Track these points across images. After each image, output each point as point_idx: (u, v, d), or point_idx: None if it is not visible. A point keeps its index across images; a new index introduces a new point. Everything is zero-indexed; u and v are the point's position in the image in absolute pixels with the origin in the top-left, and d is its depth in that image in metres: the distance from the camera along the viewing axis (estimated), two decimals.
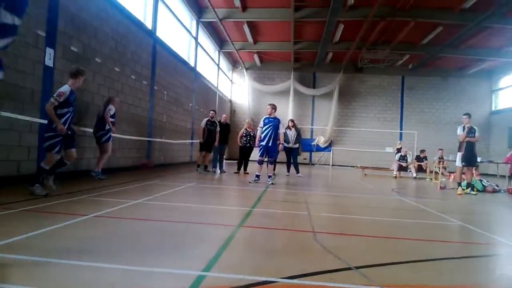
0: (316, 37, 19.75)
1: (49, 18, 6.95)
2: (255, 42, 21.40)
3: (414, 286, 2.38)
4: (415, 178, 14.90)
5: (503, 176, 13.99)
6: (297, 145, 12.86)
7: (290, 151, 12.72)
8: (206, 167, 11.93)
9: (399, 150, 16.68)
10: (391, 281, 2.45)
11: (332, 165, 25.15)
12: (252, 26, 19.10)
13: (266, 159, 9.59)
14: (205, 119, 11.74)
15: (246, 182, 9.51)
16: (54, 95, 5.37)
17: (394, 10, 16.03)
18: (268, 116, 9.32)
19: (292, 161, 12.91)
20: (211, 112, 12.03)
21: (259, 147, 9.34)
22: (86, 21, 8.28)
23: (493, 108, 24.76)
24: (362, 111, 25.62)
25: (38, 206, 4.33)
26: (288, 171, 13.05)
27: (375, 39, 19.51)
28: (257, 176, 9.20)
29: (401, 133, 25.01)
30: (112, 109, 7.96)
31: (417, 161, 16.10)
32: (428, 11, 16.22)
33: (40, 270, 2.32)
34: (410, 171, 15.42)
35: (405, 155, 15.67)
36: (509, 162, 11.69)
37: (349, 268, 2.63)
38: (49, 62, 6.99)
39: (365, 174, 16.23)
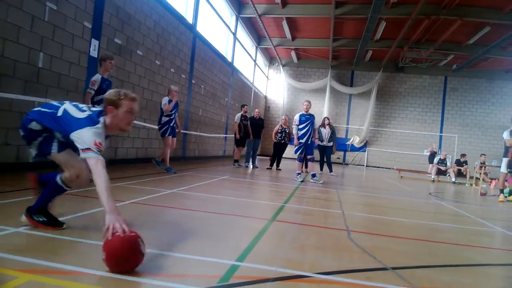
0: (356, 35, 19.36)
1: (95, 10, 7.21)
2: (293, 38, 21.26)
3: None
4: (454, 182, 14.36)
5: None
6: (331, 144, 12.72)
7: (323, 149, 12.59)
8: (237, 161, 12.01)
9: (433, 154, 16.28)
10: (428, 283, 2.37)
11: (366, 165, 24.66)
12: (291, 22, 18.98)
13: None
14: (239, 114, 11.81)
15: (279, 178, 9.51)
16: (89, 85, 5.75)
17: (439, 8, 15.47)
18: (304, 113, 9.18)
19: (325, 159, 12.78)
20: (246, 107, 12.10)
21: (299, 145, 9.12)
22: (130, 14, 8.51)
23: None
24: (401, 112, 24.89)
25: (77, 191, 4.50)
26: (321, 169, 12.92)
27: (418, 37, 18.92)
28: (299, 174, 9.12)
29: (441, 136, 24.13)
30: (165, 103, 7.83)
31: (457, 166, 15.51)
32: (475, 10, 15.49)
33: (80, 250, 2.43)
34: (449, 175, 14.88)
35: (444, 159, 15.12)
36: None
37: (385, 268, 2.57)
38: (93, 53, 7.25)
39: (401, 176, 15.81)
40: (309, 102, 9.37)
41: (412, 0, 14.75)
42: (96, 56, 7.30)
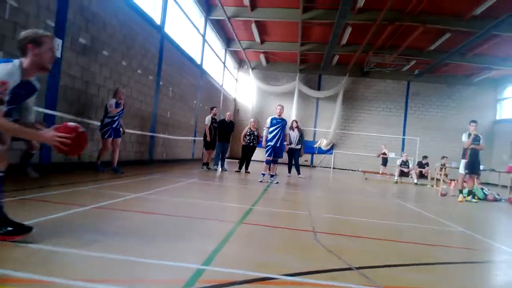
0: (323, 39, 19.71)
1: (58, 8, 6.96)
2: (262, 42, 21.39)
3: None
4: (416, 184, 14.86)
5: (505, 186, 13.91)
6: (299, 146, 12.85)
7: (292, 152, 12.70)
8: (208, 164, 11.92)
9: (384, 155, 17.25)
10: (392, 282, 2.43)
11: (333, 168, 25.11)
12: (260, 25, 19.11)
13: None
14: (209, 117, 11.73)
15: (247, 181, 9.51)
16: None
17: (403, 15, 16.00)
18: (276, 116, 9.33)
19: (293, 162, 12.90)
20: (215, 109, 12.04)
21: (266, 147, 9.34)
22: (95, 13, 8.28)
23: (497, 117, 24.66)
24: (366, 115, 25.58)
25: (37, 195, 4.34)
26: (289, 172, 13.03)
27: (383, 43, 19.48)
28: (264, 175, 9.32)
29: (403, 139, 24.97)
30: (111, 104, 7.75)
31: (419, 167, 16.06)
32: (437, 16, 16.14)
33: (39, 258, 2.33)
34: (411, 177, 15.38)
35: (407, 161, 15.63)
36: None
37: (350, 268, 2.61)
38: (57, 52, 7.00)
39: (366, 178, 16.20)
40: (282, 106, 9.55)
41: (377, 6, 15.19)
42: (59, 56, 7.05)
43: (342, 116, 25.44)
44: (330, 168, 25.10)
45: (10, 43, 5.88)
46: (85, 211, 3.73)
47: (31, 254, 2.34)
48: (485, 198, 10.25)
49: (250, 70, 25.86)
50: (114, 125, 7.91)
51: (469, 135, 9.23)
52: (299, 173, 12.59)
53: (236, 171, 12.06)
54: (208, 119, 11.69)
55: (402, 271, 2.77)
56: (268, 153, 9.29)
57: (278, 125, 9.25)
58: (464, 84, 24.69)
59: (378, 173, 17.90)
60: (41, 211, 3.46)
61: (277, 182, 9.15)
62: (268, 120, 9.42)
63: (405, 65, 22.55)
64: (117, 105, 7.87)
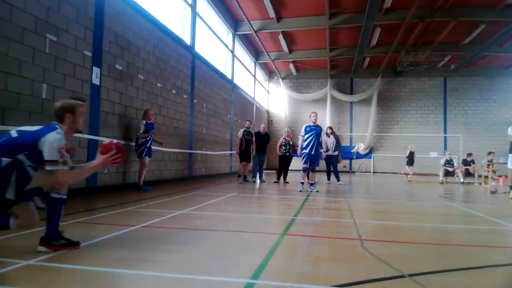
0: (352, 43, 19.52)
1: (95, 39, 7.33)
2: (290, 51, 21.45)
3: None
4: (462, 183, 14.24)
5: None
6: (336, 153, 12.70)
7: (329, 159, 12.56)
8: (245, 177, 12.02)
9: (412, 154, 16.47)
10: None
11: (373, 172, 24.53)
12: (287, 35, 19.18)
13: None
14: (242, 130, 11.90)
15: (287, 191, 9.48)
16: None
17: (432, 11, 15.55)
18: (310, 124, 9.29)
19: (332, 169, 12.75)
20: (247, 122, 12.21)
21: (301, 155, 9.30)
22: (129, 40, 8.64)
23: None
24: (403, 116, 24.88)
25: (87, 218, 4.52)
26: (329, 179, 12.87)
27: (414, 41, 19.01)
28: (302, 183, 9.32)
29: (445, 137, 24.04)
30: (141, 126, 8.19)
31: (464, 165, 15.41)
32: (468, 9, 15.58)
33: (96, 279, 2.42)
34: (457, 176, 14.76)
35: (451, 159, 15.05)
36: None
37: (403, 276, 2.54)
38: (96, 80, 7.35)
39: (409, 180, 15.71)
40: (316, 113, 9.48)
41: (405, 5, 14.88)
42: (98, 84, 7.40)
43: (378, 119, 24.86)
44: (370, 172, 24.54)
45: (52, 75, 6.24)
46: (134, 231, 3.86)
47: (83, 276, 2.44)
48: None
49: (280, 80, 25.93)
50: (148, 145, 8.35)
51: None
52: (338, 180, 12.42)
53: (275, 182, 12.07)
54: (240, 132, 11.87)
55: (456, 276, 2.66)
56: (304, 160, 9.21)
57: (312, 132, 9.16)
58: (504, 75, 23.54)
59: (418, 174, 17.28)
60: (92, 233, 3.61)
61: (317, 191, 9.07)
62: (302, 129, 9.37)
63: (440, 61, 21.84)
64: (147, 125, 8.29)
